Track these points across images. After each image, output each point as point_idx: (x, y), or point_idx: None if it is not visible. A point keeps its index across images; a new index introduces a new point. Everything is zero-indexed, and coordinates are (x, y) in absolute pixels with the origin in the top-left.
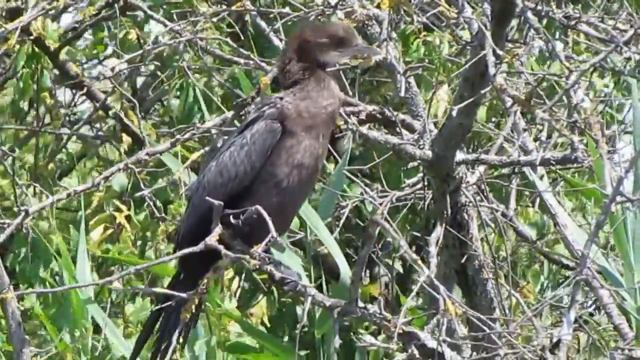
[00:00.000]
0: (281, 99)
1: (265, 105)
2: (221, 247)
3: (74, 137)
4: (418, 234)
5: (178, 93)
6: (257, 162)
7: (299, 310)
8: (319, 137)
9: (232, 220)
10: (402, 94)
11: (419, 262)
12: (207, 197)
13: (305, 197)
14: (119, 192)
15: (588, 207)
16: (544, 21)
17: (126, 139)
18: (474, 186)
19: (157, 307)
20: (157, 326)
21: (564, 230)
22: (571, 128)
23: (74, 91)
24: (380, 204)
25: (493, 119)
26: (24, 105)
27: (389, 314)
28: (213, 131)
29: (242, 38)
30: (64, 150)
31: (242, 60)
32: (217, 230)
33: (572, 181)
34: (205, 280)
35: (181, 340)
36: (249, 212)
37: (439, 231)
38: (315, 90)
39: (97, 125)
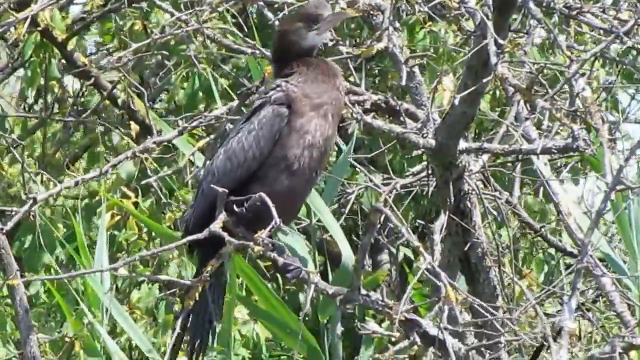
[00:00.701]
0: (286, 82)
1: (271, 90)
2: (225, 234)
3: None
4: (422, 222)
5: (184, 83)
6: (265, 147)
7: (301, 297)
8: (327, 117)
9: (235, 207)
10: (404, 82)
11: (421, 249)
12: (212, 185)
13: (315, 180)
14: (127, 180)
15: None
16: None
17: (134, 127)
18: (477, 174)
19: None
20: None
21: (567, 218)
22: (572, 117)
23: (81, 81)
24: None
25: (496, 109)
26: (32, 93)
27: (391, 301)
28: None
29: (246, 29)
30: (71, 138)
31: (248, 50)
32: (221, 217)
33: (590, 159)
34: (209, 268)
35: (210, 337)
36: (252, 200)
37: (442, 219)
38: (315, 73)
39: (104, 114)
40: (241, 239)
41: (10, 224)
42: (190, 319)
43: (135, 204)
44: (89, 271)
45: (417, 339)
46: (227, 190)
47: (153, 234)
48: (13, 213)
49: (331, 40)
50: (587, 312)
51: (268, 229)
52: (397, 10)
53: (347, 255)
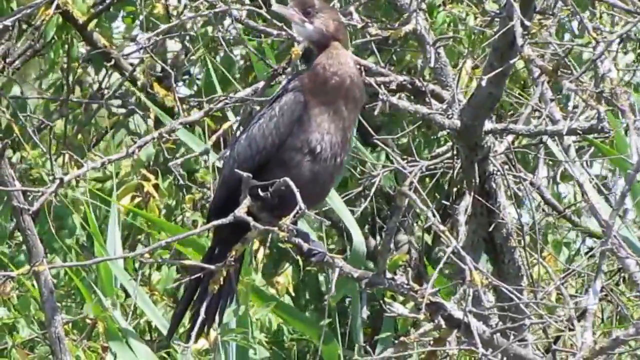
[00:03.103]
0: (302, 73)
1: (294, 78)
2: (250, 218)
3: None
4: (446, 203)
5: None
6: (285, 133)
7: (321, 278)
8: (339, 107)
9: (260, 192)
10: (432, 64)
11: (447, 233)
12: (236, 170)
13: (339, 167)
14: (146, 161)
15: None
16: None
17: (153, 108)
18: (502, 155)
19: (191, 282)
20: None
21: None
22: (598, 98)
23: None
24: (410, 173)
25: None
26: (53, 76)
27: (416, 284)
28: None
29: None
30: (93, 121)
31: (274, 32)
32: (246, 202)
33: (601, 146)
34: (234, 252)
35: (217, 316)
36: (277, 184)
37: (467, 200)
38: (322, 66)
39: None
40: (266, 225)
41: (36, 205)
42: (198, 294)
43: (156, 186)
44: (111, 257)
45: (442, 322)
46: (251, 175)
47: (174, 213)
48: (39, 194)
49: (359, 23)
50: (610, 293)
51: (292, 214)
52: None
53: (359, 240)
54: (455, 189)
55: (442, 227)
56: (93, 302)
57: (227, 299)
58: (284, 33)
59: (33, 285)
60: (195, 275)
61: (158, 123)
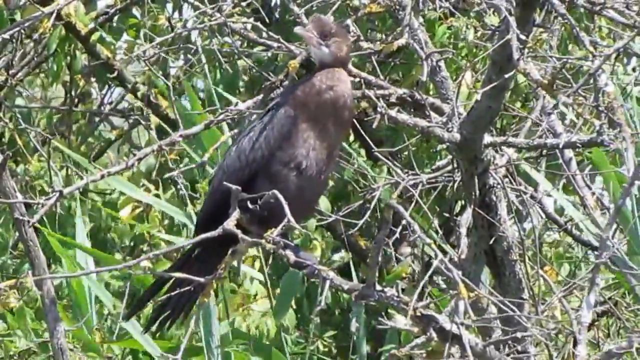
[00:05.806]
0: (295, 88)
1: (287, 90)
2: (239, 231)
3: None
4: (448, 215)
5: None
6: (275, 147)
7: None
8: (326, 125)
9: (249, 205)
10: (424, 78)
11: (433, 246)
12: (224, 182)
13: (324, 182)
14: (146, 173)
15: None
16: None
17: (154, 119)
18: (503, 168)
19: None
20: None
21: (593, 213)
22: (595, 112)
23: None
24: (413, 187)
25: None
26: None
27: (406, 296)
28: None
29: (268, 23)
30: (95, 132)
31: (274, 44)
32: (235, 214)
33: (597, 162)
34: (223, 265)
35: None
36: (266, 197)
37: (468, 212)
38: (319, 79)
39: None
40: (254, 237)
41: (37, 217)
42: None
43: (157, 197)
44: (101, 269)
45: (434, 335)
46: (240, 188)
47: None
48: (40, 206)
49: (352, 37)
50: (613, 307)
51: (280, 227)
52: (418, 4)
53: None
54: (458, 202)
55: (428, 240)
56: (75, 326)
57: (194, 296)
58: (283, 46)
59: (23, 299)
60: (185, 289)
61: (161, 133)
